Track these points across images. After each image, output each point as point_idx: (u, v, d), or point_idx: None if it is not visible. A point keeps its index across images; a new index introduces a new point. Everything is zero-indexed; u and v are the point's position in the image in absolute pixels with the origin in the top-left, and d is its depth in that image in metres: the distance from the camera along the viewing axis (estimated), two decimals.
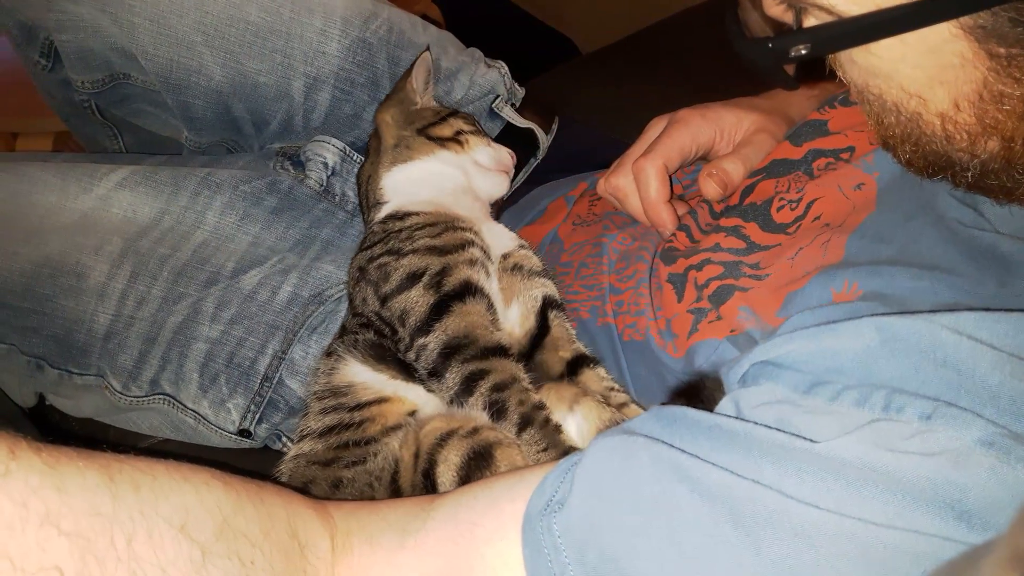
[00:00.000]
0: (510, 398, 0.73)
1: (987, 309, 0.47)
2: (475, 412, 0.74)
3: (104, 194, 1.00)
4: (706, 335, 0.71)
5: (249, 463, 0.81)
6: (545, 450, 0.70)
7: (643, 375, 0.79)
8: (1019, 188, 0.53)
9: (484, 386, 0.74)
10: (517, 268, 0.87)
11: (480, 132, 1.02)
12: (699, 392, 0.66)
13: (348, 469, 0.74)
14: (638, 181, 0.88)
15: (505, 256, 0.88)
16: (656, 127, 0.93)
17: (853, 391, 0.47)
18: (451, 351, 0.76)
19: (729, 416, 0.51)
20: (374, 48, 1.08)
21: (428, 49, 1.03)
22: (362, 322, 0.85)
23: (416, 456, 0.72)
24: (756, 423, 0.49)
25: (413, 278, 0.81)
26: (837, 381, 0.48)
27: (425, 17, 1.18)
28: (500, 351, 0.77)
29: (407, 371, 0.80)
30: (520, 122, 1.16)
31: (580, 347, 0.84)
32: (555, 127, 1.22)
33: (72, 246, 0.98)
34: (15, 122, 1.90)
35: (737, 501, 0.46)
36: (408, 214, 0.91)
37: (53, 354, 0.98)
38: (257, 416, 0.95)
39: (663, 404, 0.57)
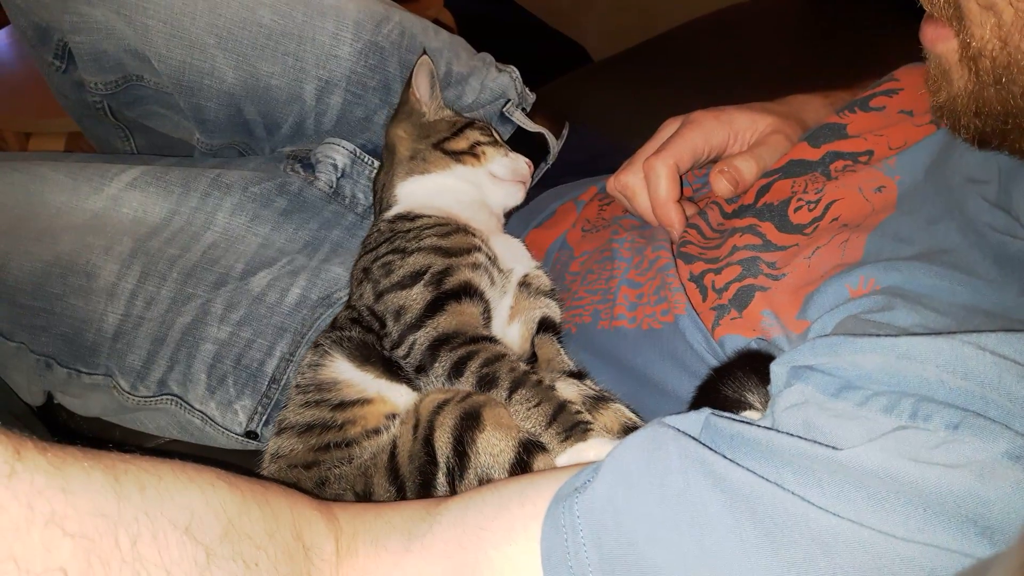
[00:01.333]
0: (500, 368, 0.74)
1: (1009, 330, 0.46)
2: (467, 388, 0.76)
3: (115, 194, 1.01)
4: (728, 330, 0.70)
5: (255, 464, 0.81)
6: (538, 404, 0.71)
7: (655, 362, 0.78)
8: None
9: (474, 364, 0.75)
10: (525, 286, 0.88)
11: (497, 142, 1.01)
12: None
13: (333, 470, 0.75)
14: (648, 179, 0.87)
15: (525, 275, 0.89)
16: (669, 127, 0.92)
17: (882, 397, 0.46)
18: (440, 343, 0.77)
19: (755, 425, 0.51)
20: (386, 52, 1.08)
21: (425, 52, 1.02)
22: (352, 316, 0.85)
23: (416, 427, 0.73)
24: (780, 431, 0.49)
25: (416, 276, 0.82)
26: (867, 387, 0.48)
27: (437, 22, 1.18)
28: (488, 339, 0.78)
29: (392, 371, 0.80)
30: (531, 127, 1.16)
31: (567, 364, 0.84)
32: (566, 132, 1.22)
33: (82, 246, 0.98)
34: (28, 122, 1.92)
35: (759, 502, 0.46)
36: (419, 216, 0.91)
37: (62, 353, 0.99)
38: (264, 418, 0.95)
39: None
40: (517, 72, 1.18)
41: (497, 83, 1.15)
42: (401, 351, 0.79)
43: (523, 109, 1.17)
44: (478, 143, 0.98)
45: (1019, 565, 0.31)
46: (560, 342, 0.86)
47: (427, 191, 0.95)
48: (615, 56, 1.67)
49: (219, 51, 1.03)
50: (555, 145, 1.20)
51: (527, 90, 1.18)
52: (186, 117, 1.11)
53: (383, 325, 0.82)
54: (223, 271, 0.98)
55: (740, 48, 1.56)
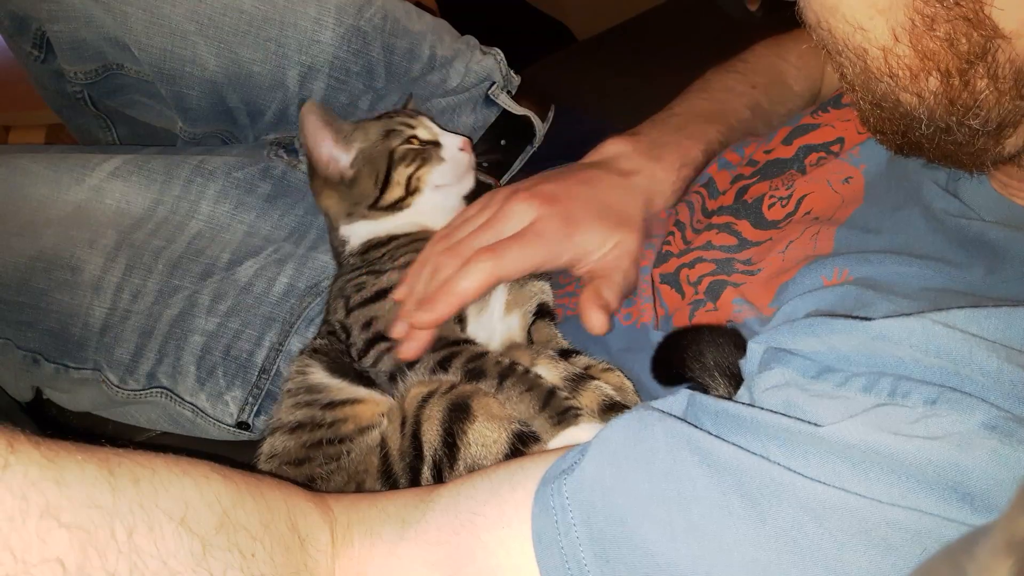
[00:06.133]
0: (486, 363, 0.74)
1: (975, 306, 0.48)
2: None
3: (97, 185, 1.00)
4: (703, 321, 0.72)
5: (248, 456, 0.81)
6: (528, 391, 0.71)
7: (637, 359, 0.79)
8: (981, 149, 0.52)
9: (458, 362, 0.75)
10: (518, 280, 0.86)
11: (426, 156, 0.92)
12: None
13: (322, 467, 0.75)
14: (464, 270, 0.77)
15: None
16: (517, 208, 0.81)
17: (861, 378, 0.48)
18: None
19: (739, 402, 0.52)
20: (369, 36, 1.07)
21: (305, 99, 0.96)
22: (330, 330, 0.85)
23: (403, 424, 0.73)
24: (763, 408, 0.50)
25: (389, 291, 0.82)
26: (846, 369, 0.49)
27: (419, 4, 1.17)
28: (467, 340, 0.78)
29: (366, 381, 0.80)
30: (516, 109, 1.16)
31: (561, 345, 0.84)
32: (551, 115, 1.21)
33: (66, 239, 0.97)
34: (7, 115, 1.90)
35: (745, 474, 0.47)
36: (391, 237, 0.89)
37: (49, 348, 0.98)
38: (255, 408, 0.95)
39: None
40: (502, 54, 1.17)
41: (482, 66, 1.14)
42: (368, 360, 0.79)
43: (508, 91, 1.16)
44: (411, 176, 0.90)
45: (1005, 541, 0.32)
46: (555, 326, 0.86)
47: (380, 230, 0.91)
48: (599, 35, 1.67)
49: (200, 38, 1.01)
50: (541, 128, 1.19)
51: (512, 72, 1.17)
52: (168, 105, 1.10)
53: (348, 336, 0.82)
54: (209, 261, 0.97)
55: (723, 23, 1.56)
